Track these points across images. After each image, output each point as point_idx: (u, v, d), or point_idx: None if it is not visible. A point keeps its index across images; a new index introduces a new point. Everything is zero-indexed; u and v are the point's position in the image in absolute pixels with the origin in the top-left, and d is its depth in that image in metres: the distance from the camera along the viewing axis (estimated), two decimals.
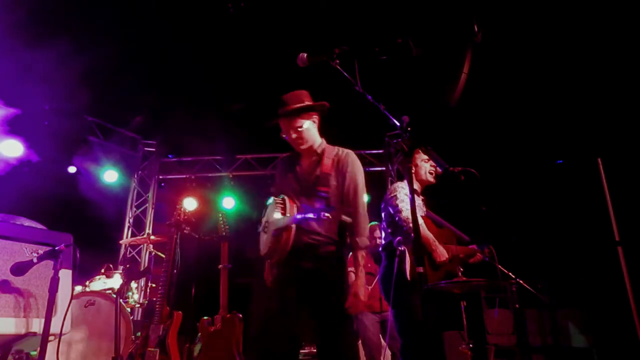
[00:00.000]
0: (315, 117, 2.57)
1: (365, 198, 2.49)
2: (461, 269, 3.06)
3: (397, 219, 3.06)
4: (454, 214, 3.51)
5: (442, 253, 2.99)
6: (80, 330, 3.86)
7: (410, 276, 2.83)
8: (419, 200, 3.26)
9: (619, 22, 4.52)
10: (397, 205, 3.06)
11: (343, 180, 2.47)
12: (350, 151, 2.57)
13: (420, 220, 3.03)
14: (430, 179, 3.26)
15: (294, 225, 2.33)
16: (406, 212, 2.99)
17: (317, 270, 2.37)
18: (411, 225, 2.90)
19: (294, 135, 2.51)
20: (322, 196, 2.41)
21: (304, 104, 2.50)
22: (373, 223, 4.92)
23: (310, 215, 2.24)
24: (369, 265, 4.75)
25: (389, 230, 3.21)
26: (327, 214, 2.16)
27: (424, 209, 3.34)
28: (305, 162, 2.57)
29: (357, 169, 2.52)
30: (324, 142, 2.62)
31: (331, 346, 2.28)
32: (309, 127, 2.53)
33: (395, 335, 4.22)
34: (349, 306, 2.29)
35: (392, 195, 3.17)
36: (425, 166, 3.26)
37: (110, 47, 4.90)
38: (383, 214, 3.32)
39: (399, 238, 2.98)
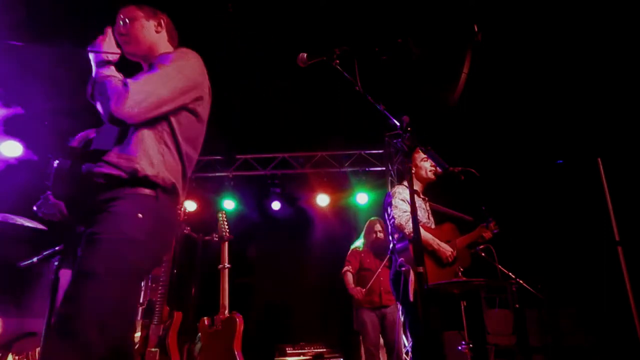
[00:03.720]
0: (163, 22, 1.95)
1: (171, 83, 1.67)
2: (461, 269, 3.08)
3: (391, 225, 3.18)
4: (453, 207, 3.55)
5: (445, 249, 3.05)
6: None
7: (413, 297, 2.87)
8: (420, 201, 3.29)
9: (619, 22, 4.53)
10: (390, 212, 3.16)
11: None
12: (189, 50, 1.84)
13: None
14: (431, 176, 3.29)
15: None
16: (398, 219, 3.07)
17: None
18: (405, 231, 3.00)
19: (121, 30, 1.87)
20: None
21: None
22: (373, 218, 4.96)
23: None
24: (368, 260, 4.76)
25: (394, 232, 3.29)
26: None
27: (427, 208, 3.37)
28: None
29: (176, 56, 1.74)
30: None
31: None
32: (147, 27, 1.88)
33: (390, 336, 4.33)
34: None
35: (389, 200, 3.26)
36: (425, 165, 3.29)
37: None
38: (387, 216, 3.38)
39: (401, 260, 3.01)
